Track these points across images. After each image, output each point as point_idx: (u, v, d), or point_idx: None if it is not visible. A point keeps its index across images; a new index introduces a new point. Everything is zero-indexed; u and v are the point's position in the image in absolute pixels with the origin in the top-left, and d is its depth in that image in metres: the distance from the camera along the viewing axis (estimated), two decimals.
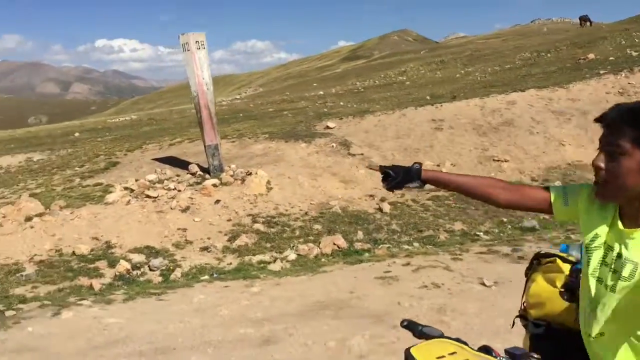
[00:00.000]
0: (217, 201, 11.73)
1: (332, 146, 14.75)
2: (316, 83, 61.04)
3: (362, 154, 14.33)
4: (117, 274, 9.10)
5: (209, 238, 10.48)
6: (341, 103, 23.59)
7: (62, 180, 14.42)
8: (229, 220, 11.11)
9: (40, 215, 11.00)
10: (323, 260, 9.53)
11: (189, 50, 12.73)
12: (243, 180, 12.55)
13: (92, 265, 9.31)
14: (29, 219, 10.82)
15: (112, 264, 9.36)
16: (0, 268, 9.21)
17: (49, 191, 13.52)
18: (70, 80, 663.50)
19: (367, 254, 9.58)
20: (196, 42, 12.69)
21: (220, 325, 6.38)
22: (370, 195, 12.44)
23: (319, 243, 10.11)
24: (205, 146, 13.26)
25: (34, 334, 6.21)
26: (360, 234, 10.53)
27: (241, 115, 24.06)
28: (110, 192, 12.61)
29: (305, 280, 8.06)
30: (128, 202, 11.69)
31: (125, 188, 12.67)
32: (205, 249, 10.15)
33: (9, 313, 6.92)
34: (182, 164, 14.54)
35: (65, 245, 10.00)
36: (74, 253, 9.73)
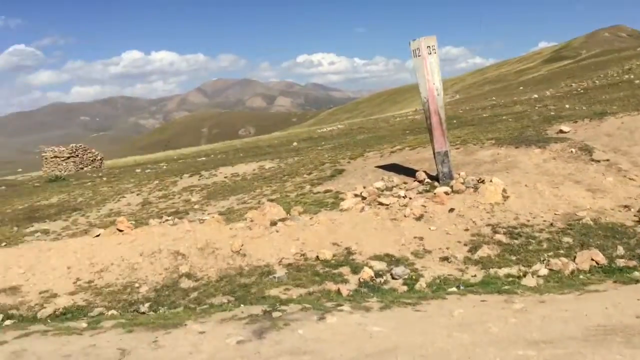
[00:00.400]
0: (451, 209, 11.30)
1: (571, 152, 13.49)
2: (522, 87, 57.92)
3: (607, 160, 12.87)
4: (362, 280, 9.12)
5: (447, 248, 10.09)
6: (567, 106, 21.76)
7: (294, 187, 15.17)
8: (467, 229, 10.61)
9: (283, 220, 11.56)
10: (582, 277, 8.58)
11: (419, 56, 12.54)
12: (476, 188, 11.96)
13: (336, 271, 9.45)
14: (273, 223, 11.42)
15: (355, 270, 9.41)
16: (254, 269, 9.79)
17: (284, 197, 14.28)
18: (275, 95, 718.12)
19: (636, 273, 8.41)
20: (427, 46, 12.46)
21: (492, 343, 5.91)
22: (625, 206, 11.05)
23: (574, 258, 9.15)
24: (434, 153, 12.95)
25: (305, 338, 6.34)
26: (620, 249, 9.33)
27: (454, 121, 23.44)
28: (342, 199, 12.90)
29: (574, 300, 7.25)
30: (362, 210, 11.80)
31: (356, 195, 12.85)
32: (445, 259, 9.78)
33: (275, 314, 7.21)
34: (406, 171, 14.41)
35: (309, 250, 10.33)
36: (317, 258, 9.99)
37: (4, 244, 12.46)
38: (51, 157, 38.27)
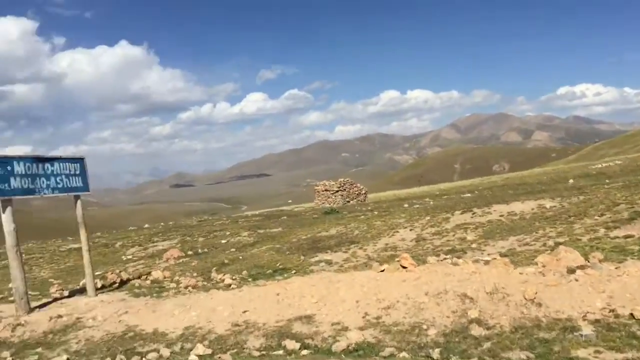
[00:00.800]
0: None
1: None
2: None
3: None
4: None
5: None
6: None
7: (584, 229, 13.51)
8: None
9: (581, 267, 10.18)
10: None
11: None
12: None
13: None
14: (570, 270, 10.11)
15: None
16: (553, 322, 8.66)
17: (573, 241, 12.76)
18: (531, 129, 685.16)
19: None
20: None
21: None
22: None
23: None
24: None
25: None
26: None
27: None
28: None
29: None
30: None
31: None
32: None
33: None
34: None
35: (619, 305, 8.81)
36: (632, 316, 8.45)
37: (293, 271, 13.31)
38: (322, 190, 41.31)
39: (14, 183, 10.92)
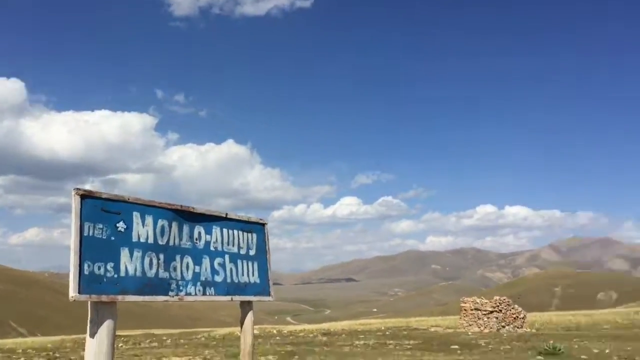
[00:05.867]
0: None
1: None
2: None
3: None
4: None
5: None
6: None
7: None
8: None
9: None
10: None
11: None
12: None
13: None
14: None
15: None
16: None
17: None
18: None
19: None
20: None
21: None
22: None
23: None
24: None
25: None
26: None
27: None
28: None
29: None
30: None
31: None
32: None
33: None
34: None
35: None
36: None
37: None
38: (471, 310, 33.00)
39: (129, 266, 4.46)
